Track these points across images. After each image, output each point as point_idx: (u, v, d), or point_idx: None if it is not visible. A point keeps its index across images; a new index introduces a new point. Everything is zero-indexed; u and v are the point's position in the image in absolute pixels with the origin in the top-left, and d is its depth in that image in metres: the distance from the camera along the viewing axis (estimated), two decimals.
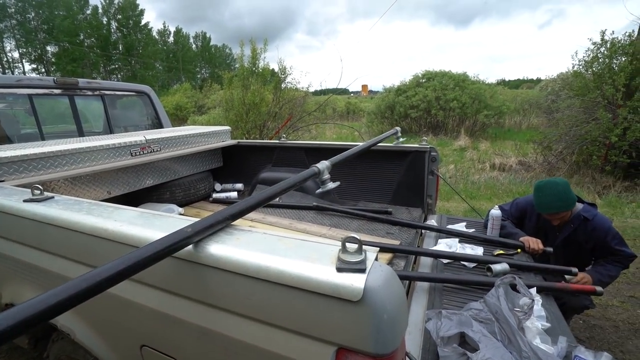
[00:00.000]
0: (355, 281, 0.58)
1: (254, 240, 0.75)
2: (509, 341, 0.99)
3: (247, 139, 5.70)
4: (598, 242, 1.81)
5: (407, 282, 1.51)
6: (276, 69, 10.30)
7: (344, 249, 0.64)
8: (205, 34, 56.68)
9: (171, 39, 51.48)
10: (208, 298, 0.74)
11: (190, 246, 0.75)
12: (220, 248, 0.72)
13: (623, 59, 6.74)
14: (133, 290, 0.87)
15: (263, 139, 7.68)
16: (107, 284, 0.55)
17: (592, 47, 7.07)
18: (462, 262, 1.67)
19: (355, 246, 0.63)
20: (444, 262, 1.70)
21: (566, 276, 1.66)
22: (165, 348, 0.84)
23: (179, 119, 17.86)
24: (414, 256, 1.77)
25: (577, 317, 2.28)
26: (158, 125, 3.53)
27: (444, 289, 1.46)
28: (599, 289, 1.41)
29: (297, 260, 0.65)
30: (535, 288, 1.29)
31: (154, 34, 48.06)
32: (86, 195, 2.02)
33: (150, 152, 2.34)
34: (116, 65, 43.18)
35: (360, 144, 2.30)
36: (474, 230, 2.05)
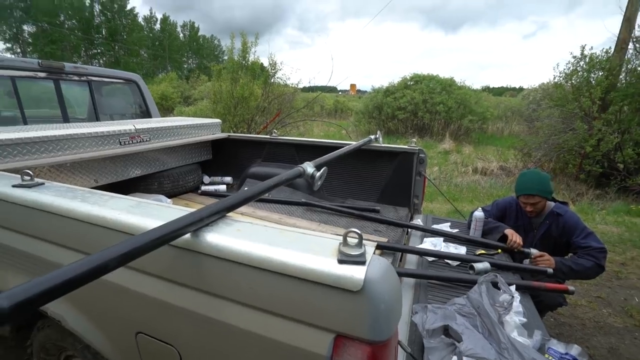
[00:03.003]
0: (356, 272, 0.62)
1: (256, 231, 0.78)
2: (490, 333, 1.06)
3: (234, 133, 5.65)
4: (569, 237, 1.94)
5: None
6: (266, 64, 10.23)
7: (345, 242, 0.67)
8: (193, 23, 55.38)
9: (158, 26, 50.01)
10: (208, 286, 0.76)
11: (191, 236, 0.77)
12: (223, 239, 0.74)
13: (600, 74, 7.07)
14: (130, 278, 0.87)
15: (251, 134, 7.63)
16: (108, 268, 0.56)
17: (572, 60, 7.39)
18: (446, 261, 1.75)
19: (356, 240, 0.67)
20: (429, 259, 1.76)
21: (526, 260, 1.84)
22: (162, 335, 0.85)
23: (164, 109, 17.44)
24: (400, 253, 1.83)
25: (549, 315, 2.41)
26: (146, 115, 3.46)
27: (428, 285, 1.52)
28: (571, 288, 1.51)
29: (300, 252, 0.68)
30: (514, 285, 1.36)
31: (140, 20, 46.56)
32: (72, 183, 1.97)
33: (140, 141, 2.30)
34: (98, 50, 41.58)
35: (350, 143, 2.36)
36: (457, 230, 2.13)
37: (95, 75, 3.05)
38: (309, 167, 1.40)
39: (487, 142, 12.07)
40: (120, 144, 2.17)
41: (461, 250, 1.87)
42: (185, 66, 53.44)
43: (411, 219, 2.45)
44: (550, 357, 0.98)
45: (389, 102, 13.11)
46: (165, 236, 0.69)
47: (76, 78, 2.91)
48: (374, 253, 0.69)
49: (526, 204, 2.00)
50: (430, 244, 1.91)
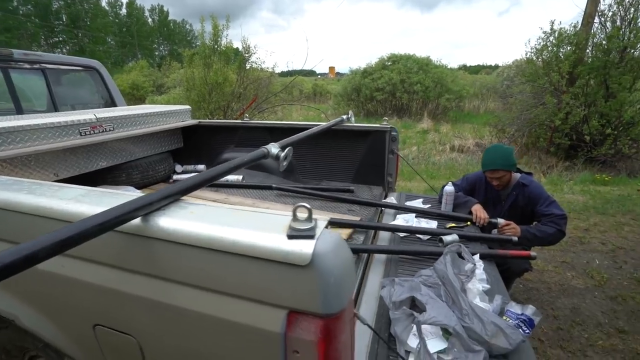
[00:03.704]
0: (304, 247, 0.61)
1: (208, 212, 0.76)
2: (453, 302, 1.09)
3: (210, 120, 5.49)
4: (534, 206, 2.02)
5: (367, 254, 1.59)
6: (240, 48, 9.91)
7: (294, 218, 0.66)
8: (162, 7, 52.59)
9: (123, 11, 47.21)
10: (161, 271, 0.74)
11: (142, 220, 0.74)
12: (174, 222, 0.72)
13: (568, 48, 7.24)
14: (81, 268, 0.84)
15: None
16: (38, 257, 0.53)
17: (542, 35, 7.51)
18: (417, 235, 1.79)
19: (306, 215, 0.66)
20: (401, 235, 1.80)
21: (494, 230, 1.92)
22: (119, 325, 0.83)
23: (135, 99, 16.71)
24: (373, 231, 1.86)
25: (518, 282, 2.54)
26: (111, 103, 3.29)
27: (399, 260, 1.56)
28: (533, 253, 1.58)
29: (250, 230, 0.66)
30: (478, 255, 1.41)
31: (103, 4, 43.78)
32: (29, 177, 1.86)
33: (103, 131, 2.20)
34: (60, 38, 38.96)
35: (320, 123, 2.34)
36: (429, 205, 2.18)
37: (50, 62, 2.85)
38: (273, 147, 1.38)
39: (464, 120, 12.28)
40: (81, 135, 2.06)
41: (432, 224, 1.91)
42: (157, 53, 51.07)
43: (386, 197, 2.48)
44: (508, 319, 1.03)
45: (367, 83, 13.04)
46: (109, 222, 0.66)
47: (27, 66, 2.72)
48: (326, 227, 0.69)
49: (492, 178, 2.06)
50: (403, 220, 1.94)
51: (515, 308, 1.07)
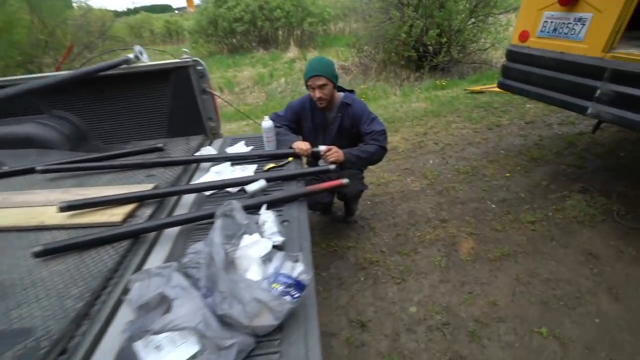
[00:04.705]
0: None
1: None
2: (216, 284, 0.83)
3: None
4: (358, 126, 1.93)
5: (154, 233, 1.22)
6: None
7: None
8: None
9: None
10: None
11: None
12: None
13: None
14: None
15: None
16: None
17: None
18: (226, 190, 1.48)
19: None
20: (206, 194, 1.46)
21: (320, 160, 1.81)
22: None
23: None
24: (175, 198, 1.48)
25: (365, 199, 2.60)
26: None
27: (195, 229, 1.23)
28: (344, 181, 1.45)
29: None
30: (265, 205, 1.19)
31: None
32: None
33: None
34: None
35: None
36: (252, 147, 1.88)
37: None
38: None
39: (331, 44, 12.13)
40: None
41: (249, 170, 1.63)
42: None
43: (210, 144, 2.07)
44: (278, 285, 0.83)
45: (223, 13, 11.43)
46: None
47: None
48: None
49: (314, 88, 1.83)
50: (214, 173, 1.60)
51: (286, 269, 0.88)
